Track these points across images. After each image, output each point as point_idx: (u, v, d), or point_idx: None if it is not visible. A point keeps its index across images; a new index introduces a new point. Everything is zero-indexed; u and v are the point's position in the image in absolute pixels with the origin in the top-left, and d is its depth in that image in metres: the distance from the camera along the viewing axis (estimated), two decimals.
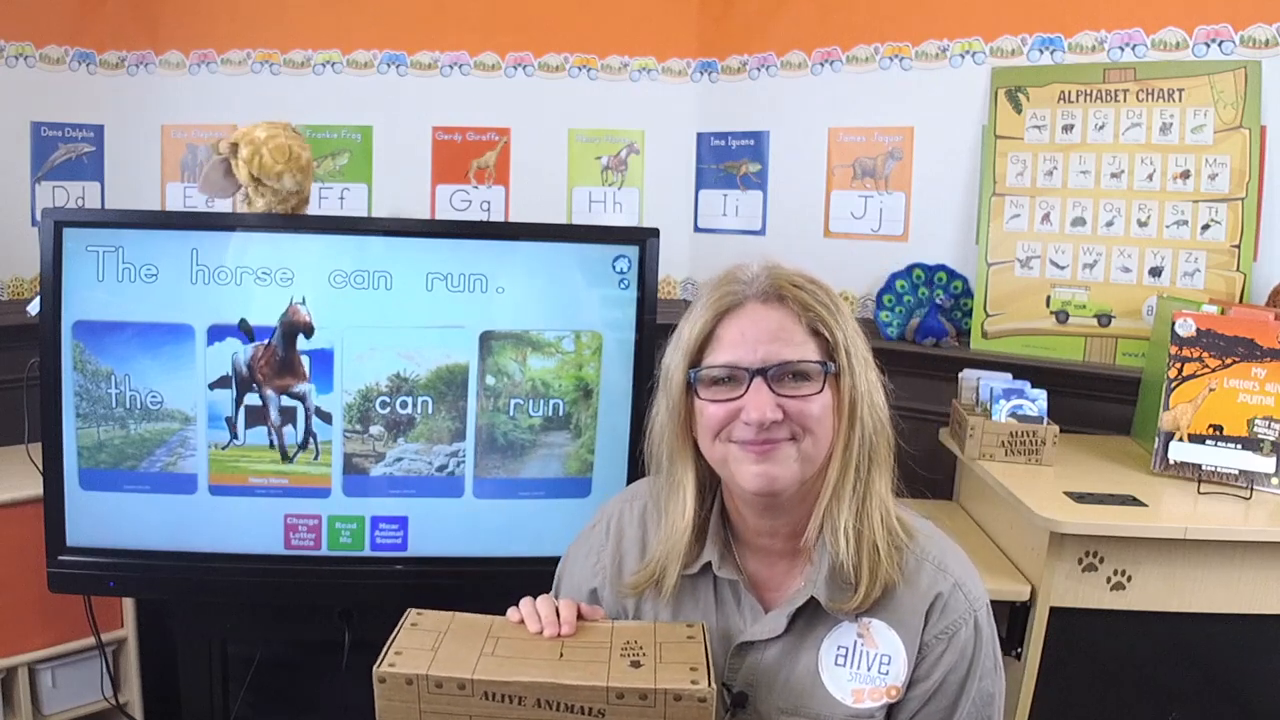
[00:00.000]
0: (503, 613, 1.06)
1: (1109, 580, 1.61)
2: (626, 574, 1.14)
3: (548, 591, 1.25)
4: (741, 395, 1.00)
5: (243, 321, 1.74)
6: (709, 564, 1.08)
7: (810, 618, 1.06)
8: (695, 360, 1.04)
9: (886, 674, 1.03)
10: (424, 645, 0.96)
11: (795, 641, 1.06)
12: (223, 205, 2.55)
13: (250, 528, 1.80)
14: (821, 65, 2.49)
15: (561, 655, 0.96)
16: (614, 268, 1.80)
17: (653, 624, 1.05)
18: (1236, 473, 1.76)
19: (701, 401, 1.03)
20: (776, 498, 1.02)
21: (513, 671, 0.93)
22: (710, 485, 1.11)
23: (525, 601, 1.04)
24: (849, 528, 1.01)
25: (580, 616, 1.02)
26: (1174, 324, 1.81)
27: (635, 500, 1.20)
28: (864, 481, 1.03)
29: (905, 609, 1.04)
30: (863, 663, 1.03)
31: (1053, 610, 1.63)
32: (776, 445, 0.99)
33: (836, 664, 1.04)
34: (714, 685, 0.91)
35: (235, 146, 1.85)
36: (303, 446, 1.78)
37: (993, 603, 1.64)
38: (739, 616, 1.08)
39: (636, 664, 0.94)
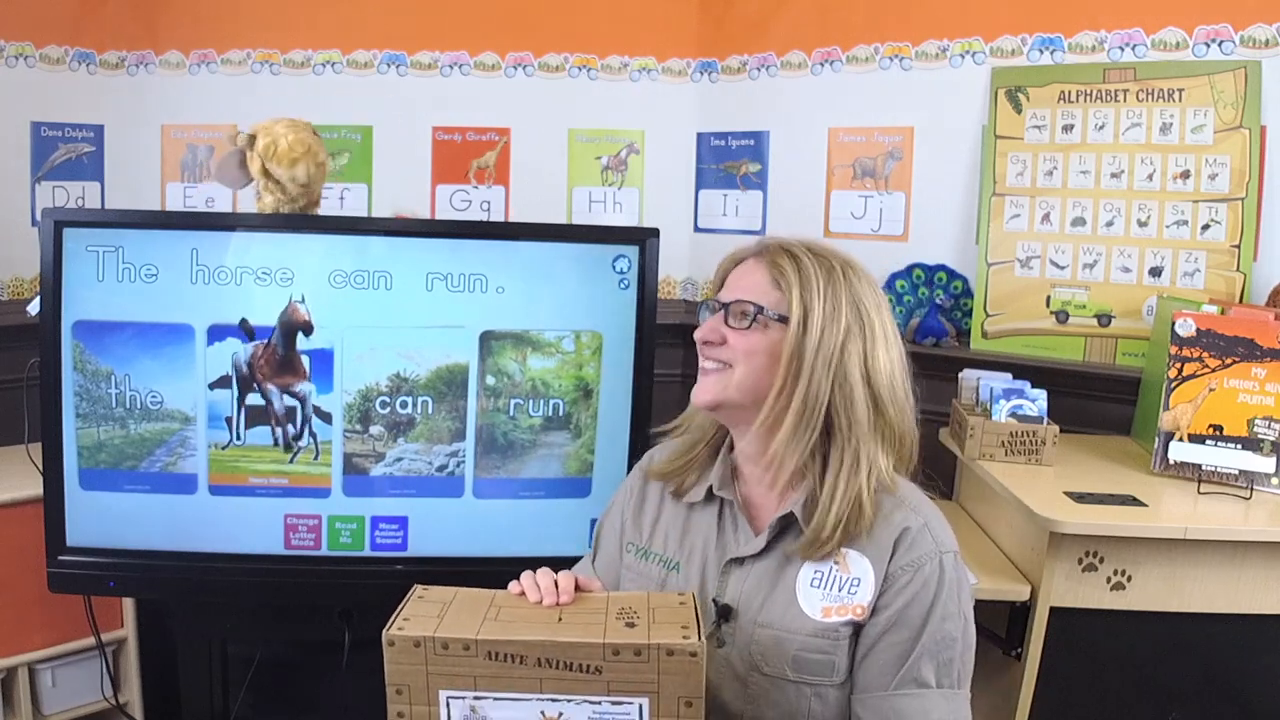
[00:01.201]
0: None
1: (1109, 580, 1.62)
2: (649, 505, 1.29)
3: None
4: None
5: (243, 321, 1.74)
6: (711, 489, 1.23)
7: (793, 543, 1.16)
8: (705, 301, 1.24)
9: (855, 594, 1.13)
10: (430, 613, 1.01)
11: (777, 564, 1.17)
12: (224, 203, 2.55)
13: (250, 528, 1.80)
14: (821, 65, 2.49)
15: (560, 620, 1.02)
16: (614, 268, 1.80)
17: (645, 593, 1.12)
18: (1236, 473, 1.76)
19: None
20: (720, 413, 1.19)
21: (514, 632, 0.98)
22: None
23: (526, 574, 1.10)
24: (816, 473, 1.15)
25: (578, 588, 1.09)
26: (1174, 324, 1.81)
27: (665, 445, 1.34)
28: (852, 440, 1.14)
29: (877, 540, 1.14)
30: (835, 585, 1.14)
31: (1053, 610, 1.63)
32: (710, 370, 1.18)
33: (811, 585, 1.15)
34: (704, 641, 0.96)
35: (253, 139, 1.85)
36: (304, 448, 1.78)
37: (993, 603, 1.65)
38: (733, 539, 1.21)
39: (631, 625, 1.00)
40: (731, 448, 1.24)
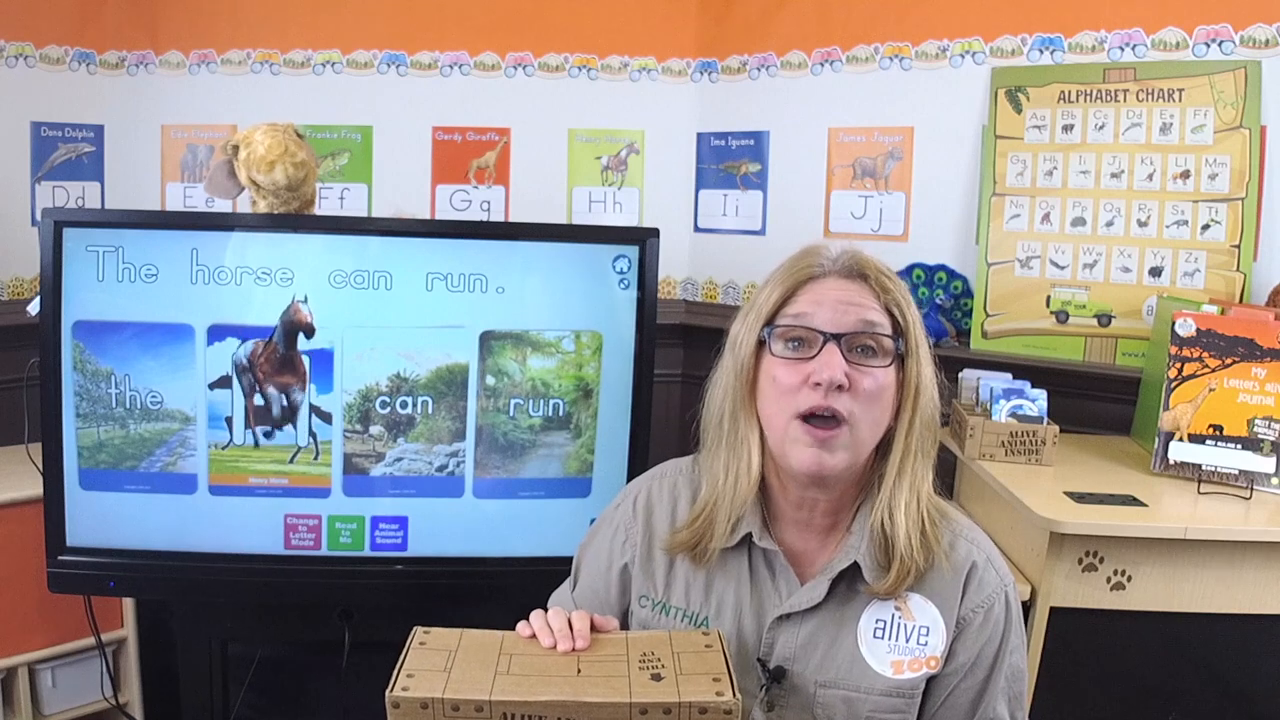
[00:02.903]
0: (506, 617, 1.04)
1: (1109, 580, 1.61)
2: (658, 555, 1.14)
3: (553, 588, 1.26)
4: (813, 357, 1.01)
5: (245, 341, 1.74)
6: (746, 536, 1.08)
7: (847, 591, 1.07)
8: (770, 321, 1.05)
9: (925, 645, 1.05)
10: (436, 666, 0.93)
11: (833, 615, 1.07)
12: (223, 206, 2.55)
13: (250, 528, 1.80)
14: (821, 65, 2.49)
15: (579, 671, 0.94)
16: (614, 268, 1.80)
17: (667, 633, 1.03)
18: (1236, 473, 1.76)
19: (773, 360, 1.04)
20: (824, 480, 1.04)
21: (532, 691, 0.90)
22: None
23: (536, 615, 1.02)
24: (893, 515, 1.03)
25: (593, 628, 1.00)
26: (1174, 324, 1.81)
27: (664, 478, 1.19)
28: (912, 469, 1.05)
29: (943, 581, 1.06)
30: (901, 635, 1.05)
31: (1053, 610, 1.63)
32: (833, 435, 0.99)
33: (875, 636, 1.05)
34: (738, 696, 0.89)
35: (236, 149, 1.87)
36: (304, 448, 1.78)
37: None
38: (774, 590, 1.09)
39: (657, 677, 0.92)
40: (762, 491, 1.10)
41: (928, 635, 1.05)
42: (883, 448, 1.06)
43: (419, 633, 1.00)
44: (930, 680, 1.06)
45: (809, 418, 1.00)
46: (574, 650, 0.97)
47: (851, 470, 1.04)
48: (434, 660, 0.94)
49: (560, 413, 1.82)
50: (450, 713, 0.89)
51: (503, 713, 0.89)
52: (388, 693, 0.90)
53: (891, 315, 1.04)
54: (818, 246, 1.09)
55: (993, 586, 1.07)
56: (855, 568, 1.06)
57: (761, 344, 1.05)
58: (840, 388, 0.99)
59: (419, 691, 0.89)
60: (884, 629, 1.05)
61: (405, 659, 0.95)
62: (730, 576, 1.10)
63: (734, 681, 0.91)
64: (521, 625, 1.01)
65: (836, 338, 1.00)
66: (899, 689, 1.05)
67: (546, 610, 1.04)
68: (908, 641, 1.05)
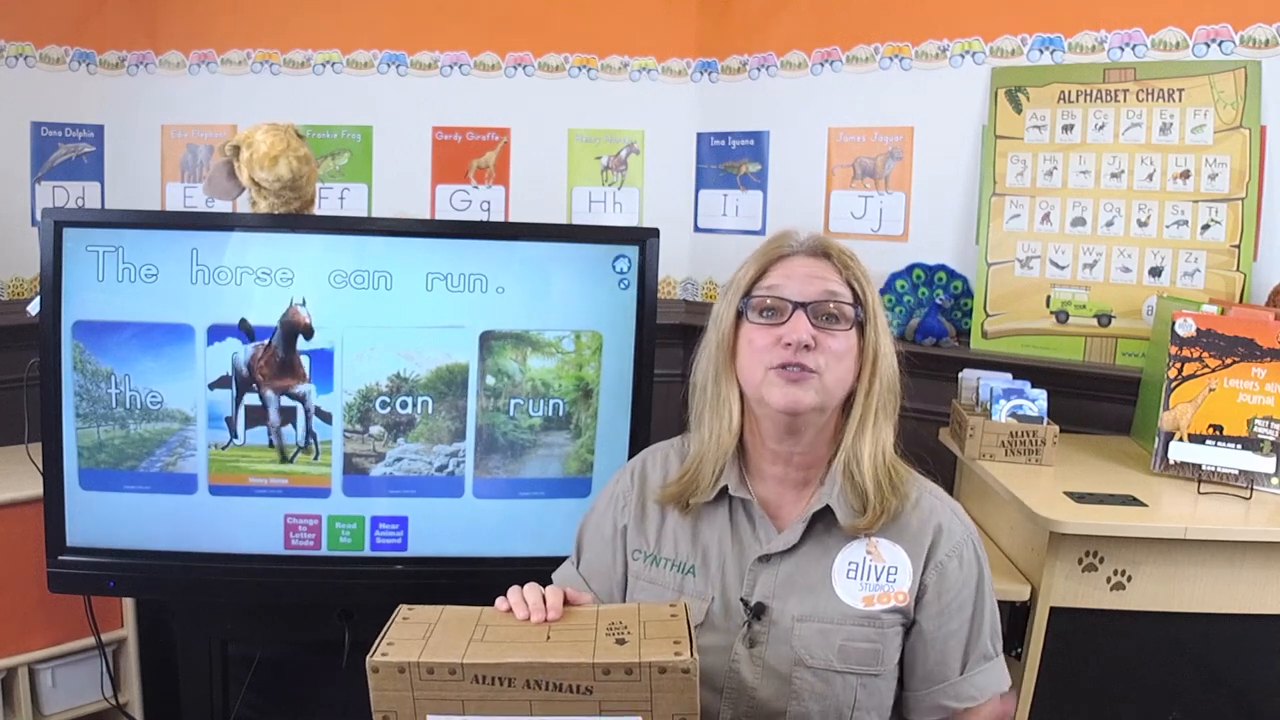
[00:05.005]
0: None
1: (1109, 580, 1.62)
2: (650, 511, 1.26)
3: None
4: (784, 323, 1.14)
5: (243, 321, 1.74)
6: (724, 489, 1.20)
7: (823, 536, 1.18)
8: (747, 294, 1.19)
9: (894, 582, 1.16)
10: (415, 636, 0.99)
11: (809, 557, 1.18)
12: (223, 206, 2.55)
13: (250, 528, 1.80)
14: (821, 65, 2.49)
15: (549, 638, 0.99)
16: (614, 268, 1.80)
17: (636, 605, 1.09)
18: (1236, 473, 1.76)
19: (749, 326, 1.17)
20: (797, 419, 1.15)
21: (502, 654, 0.95)
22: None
23: (513, 590, 1.09)
24: (860, 461, 1.16)
25: (567, 602, 1.07)
26: (1174, 324, 1.81)
27: (657, 451, 1.32)
28: (874, 425, 1.17)
29: (911, 528, 1.18)
30: (871, 575, 1.16)
31: (1053, 610, 1.63)
32: (805, 376, 1.12)
33: (848, 577, 1.16)
34: (696, 657, 0.94)
35: (237, 149, 1.87)
36: (304, 448, 1.78)
37: None
38: (754, 538, 1.20)
39: (621, 641, 0.97)
40: (741, 451, 1.22)
41: (895, 574, 1.16)
42: (849, 407, 1.18)
43: (403, 609, 1.06)
44: (919, 623, 1.17)
45: (781, 368, 1.13)
46: (546, 621, 1.04)
47: (822, 415, 1.16)
48: (414, 631, 1.00)
49: (560, 413, 1.82)
50: (425, 675, 0.94)
51: (474, 675, 0.94)
52: (368, 659, 0.95)
53: (852, 288, 1.17)
54: (788, 231, 1.23)
55: (960, 535, 1.19)
56: (830, 516, 1.17)
57: (740, 314, 1.19)
58: (807, 347, 1.11)
59: (396, 656, 0.95)
60: (856, 570, 1.16)
61: (387, 631, 1.01)
62: (714, 528, 1.22)
63: (694, 645, 0.96)
64: (499, 600, 1.08)
65: (804, 305, 1.14)
66: (868, 619, 1.15)
67: (543, 585, 1.11)
68: (877, 580, 1.16)
